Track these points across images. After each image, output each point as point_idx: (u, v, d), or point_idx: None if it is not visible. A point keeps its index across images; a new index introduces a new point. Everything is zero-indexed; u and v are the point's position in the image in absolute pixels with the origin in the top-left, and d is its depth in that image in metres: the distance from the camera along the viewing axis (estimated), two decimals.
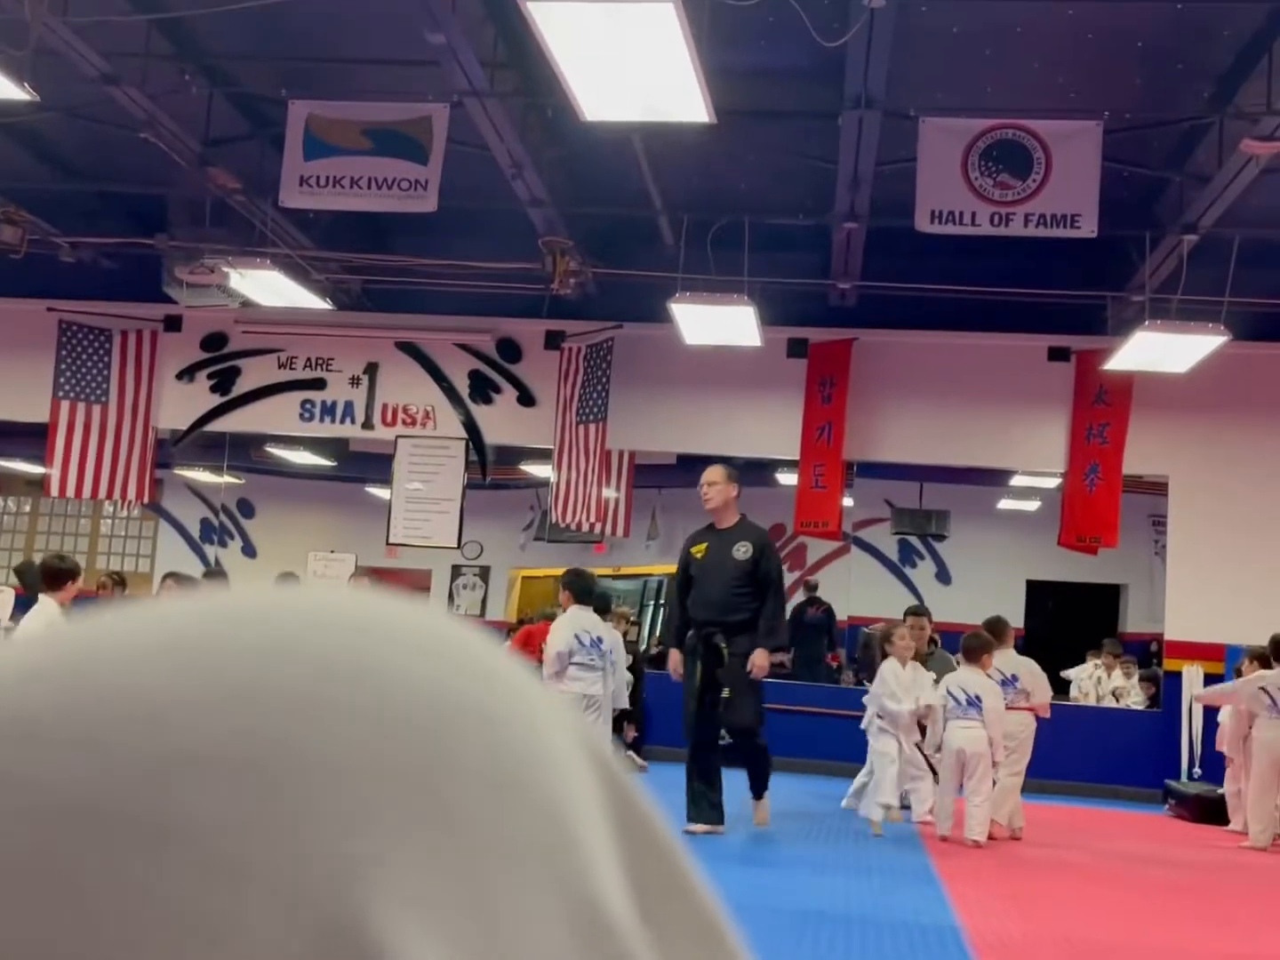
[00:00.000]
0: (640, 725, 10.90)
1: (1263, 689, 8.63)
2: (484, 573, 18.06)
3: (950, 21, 7.17)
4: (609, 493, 11.43)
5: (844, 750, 10.94)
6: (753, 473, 15.09)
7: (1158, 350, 9.25)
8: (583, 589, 7.96)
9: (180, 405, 11.80)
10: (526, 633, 9.94)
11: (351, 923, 0.26)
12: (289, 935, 0.26)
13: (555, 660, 7.54)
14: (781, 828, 7.93)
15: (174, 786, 0.27)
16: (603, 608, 9.17)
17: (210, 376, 11.87)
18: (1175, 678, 10.72)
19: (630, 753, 10.31)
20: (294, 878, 0.26)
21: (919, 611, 9.70)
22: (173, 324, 11.75)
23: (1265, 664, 8.66)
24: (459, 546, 11.99)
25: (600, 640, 7.83)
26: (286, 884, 0.26)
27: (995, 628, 8.56)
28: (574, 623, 7.78)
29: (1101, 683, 13.33)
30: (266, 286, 9.75)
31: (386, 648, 0.30)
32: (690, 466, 14.69)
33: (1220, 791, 9.59)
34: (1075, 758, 11.06)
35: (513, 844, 0.29)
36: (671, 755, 11.28)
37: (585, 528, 11.57)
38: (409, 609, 0.32)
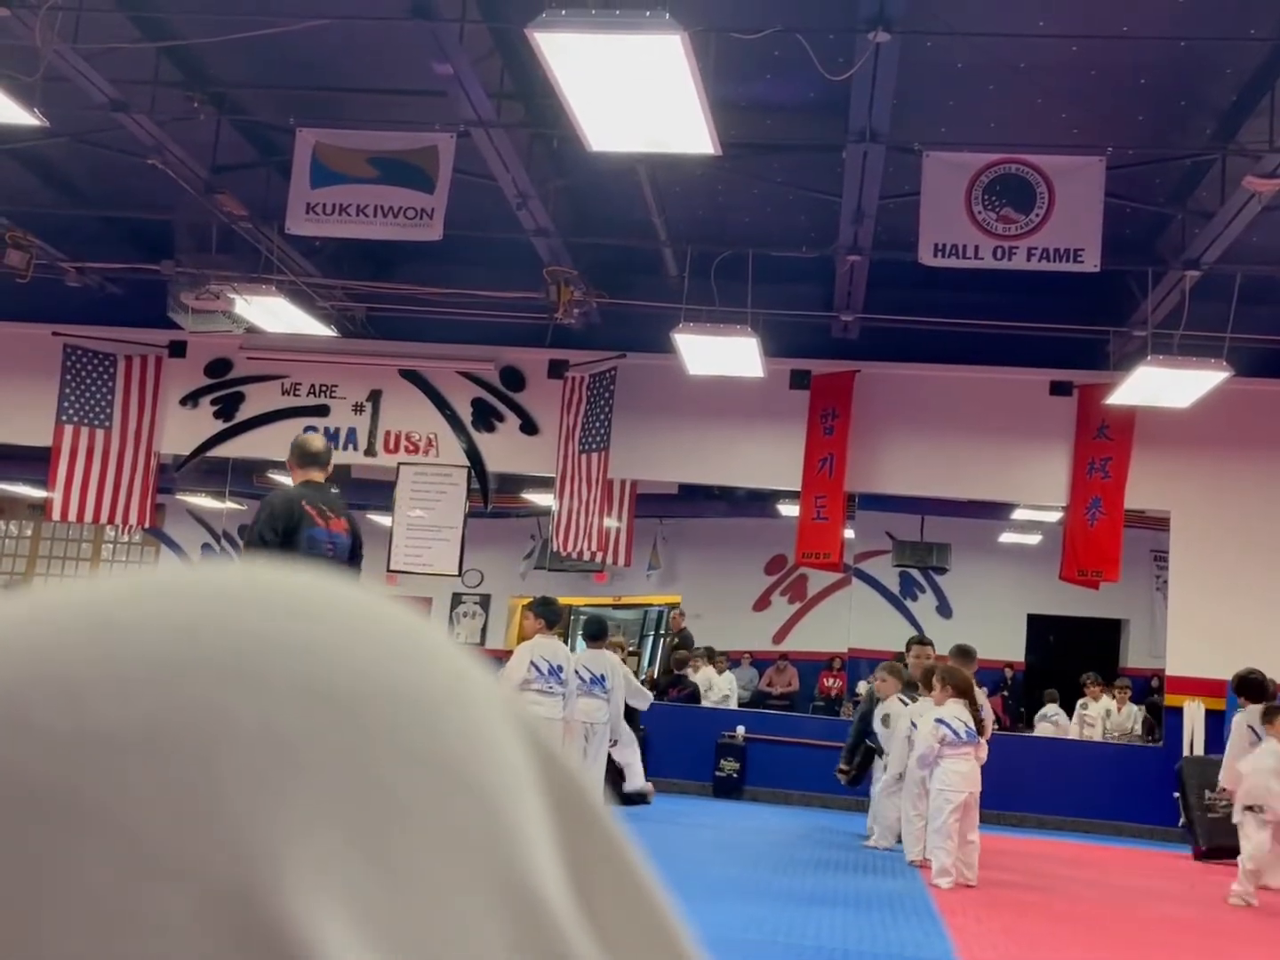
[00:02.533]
0: (641, 755, 10.85)
1: (1250, 726, 8.71)
2: (484, 601, 18.02)
3: (954, 57, 7.22)
4: (610, 522, 11.43)
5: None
6: (754, 504, 15.12)
7: (1160, 385, 9.26)
8: (553, 616, 8.33)
9: (183, 430, 11.81)
10: None
11: (264, 905, 0.26)
12: (197, 919, 0.25)
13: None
14: (781, 861, 7.89)
15: (87, 766, 0.26)
16: (598, 635, 9.24)
17: (214, 402, 11.89)
18: (1176, 713, 10.68)
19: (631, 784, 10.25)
20: (204, 859, 0.26)
21: (923, 641, 9.63)
22: (177, 349, 11.78)
23: None
24: (460, 574, 11.98)
25: (560, 668, 8.14)
26: (195, 866, 0.26)
27: (967, 652, 8.59)
28: (533, 650, 8.08)
29: (1111, 716, 13.28)
30: (271, 313, 9.78)
31: (317, 626, 0.30)
32: (692, 497, 14.75)
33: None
34: (1076, 793, 11.02)
35: (443, 827, 0.28)
36: (673, 787, 11.25)
37: (587, 557, 11.56)
38: (344, 589, 0.32)
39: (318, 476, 5.85)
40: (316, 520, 5.66)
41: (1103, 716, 13.24)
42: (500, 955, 0.28)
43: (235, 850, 0.26)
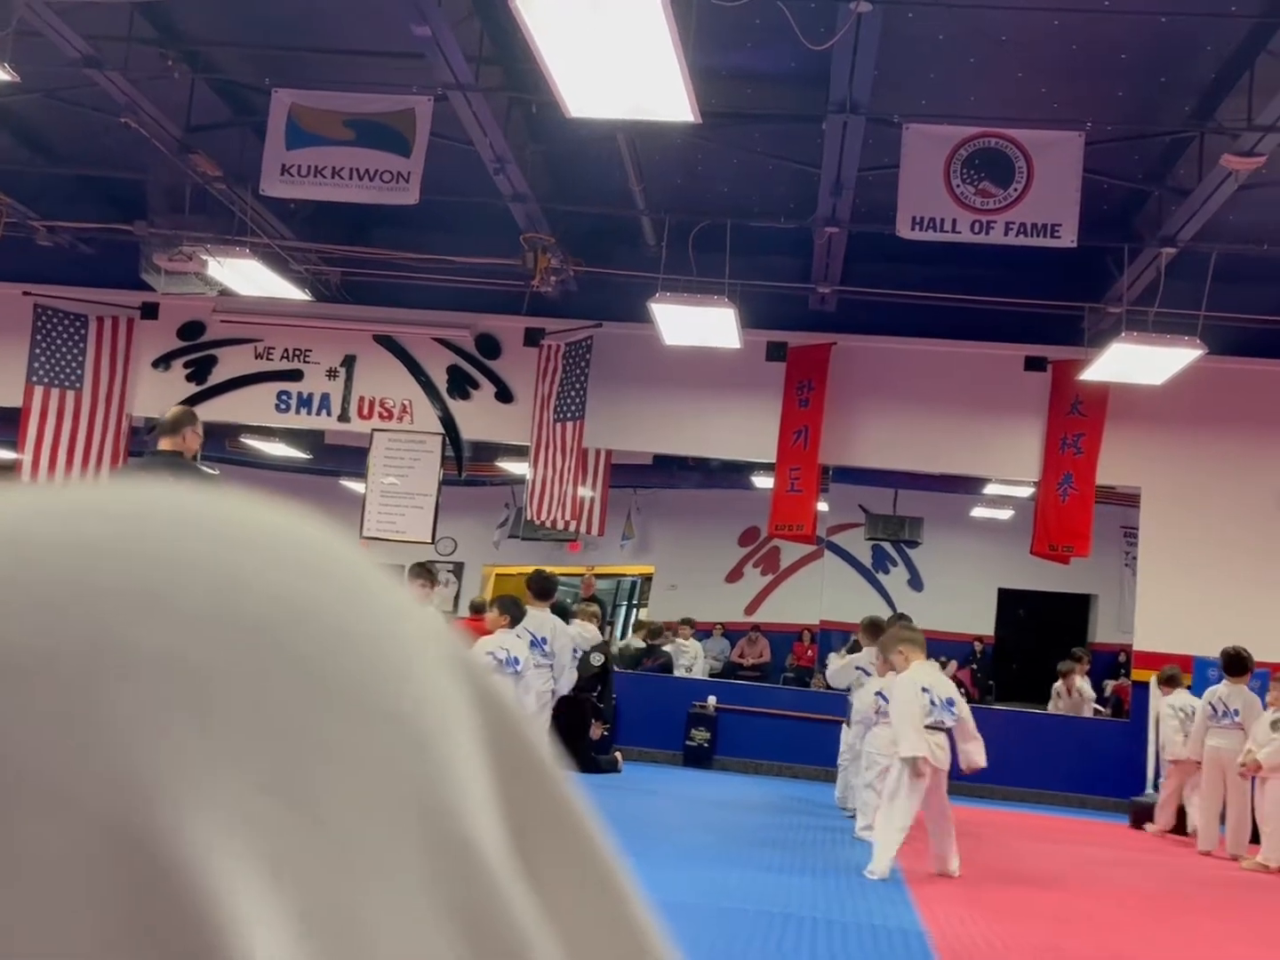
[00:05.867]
0: (611, 724, 10.90)
1: (1209, 703, 8.94)
2: (458, 569, 18.01)
3: (936, 28, 7.19)
4: (585, 491, 11.42)
5: (815, 754, 10.98)
6: (728, 475, 15.15)
7: (1133, 362, 9.30)
8: (548, 587, 8.52)
9: (155, 393, 11.71)
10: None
11: (155, 844, 0.24)
12: (77, 856, 0.24)
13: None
14: (751, 830, 7.94)
15: None
16: (546, 593, 8.94)
17: (186, 365, 11.81)
18: (1143, 688, 10.78)
19: (596, 752, 10.29)
20: (86, 791, 0.24)
21: (904, 618, 9.60)
22: (149, 311, 11.68)
23: None
24: (433, 542, 11.96)
25: (545, 640, 8.22)
26: (76, 798, 0.24)
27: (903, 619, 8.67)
28: (525, 623, 8.15)
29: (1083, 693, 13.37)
30: (245, 276, 9.70)
31: (235, 550, 0.28)
32: (666, 467, 14.75)
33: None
34: (1042, 766, 11.12)
35: (364, 767, 0.26)
36: (644, 755, 11.30)
37: (560, 526, 11.56)
38: (272, 514, 0.29)
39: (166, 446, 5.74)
40: None
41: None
42: (422, 902, 0.26)
43: (123, 783, 0.24)
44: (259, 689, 0.26)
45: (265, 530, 0.29)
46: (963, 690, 10.97)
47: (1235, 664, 8.90)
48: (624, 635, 16.38)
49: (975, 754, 6.80)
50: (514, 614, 8.14)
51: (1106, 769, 10.93)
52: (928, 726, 6.60)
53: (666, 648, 13.54)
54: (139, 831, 0.24)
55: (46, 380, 11.65)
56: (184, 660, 0.26)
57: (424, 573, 8.03)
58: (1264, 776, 8.31)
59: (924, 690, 6.63)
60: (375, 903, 0.26)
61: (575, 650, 8.90)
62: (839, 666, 9.07)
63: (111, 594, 0.26)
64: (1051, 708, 12.68)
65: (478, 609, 10.58)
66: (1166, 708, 9.75)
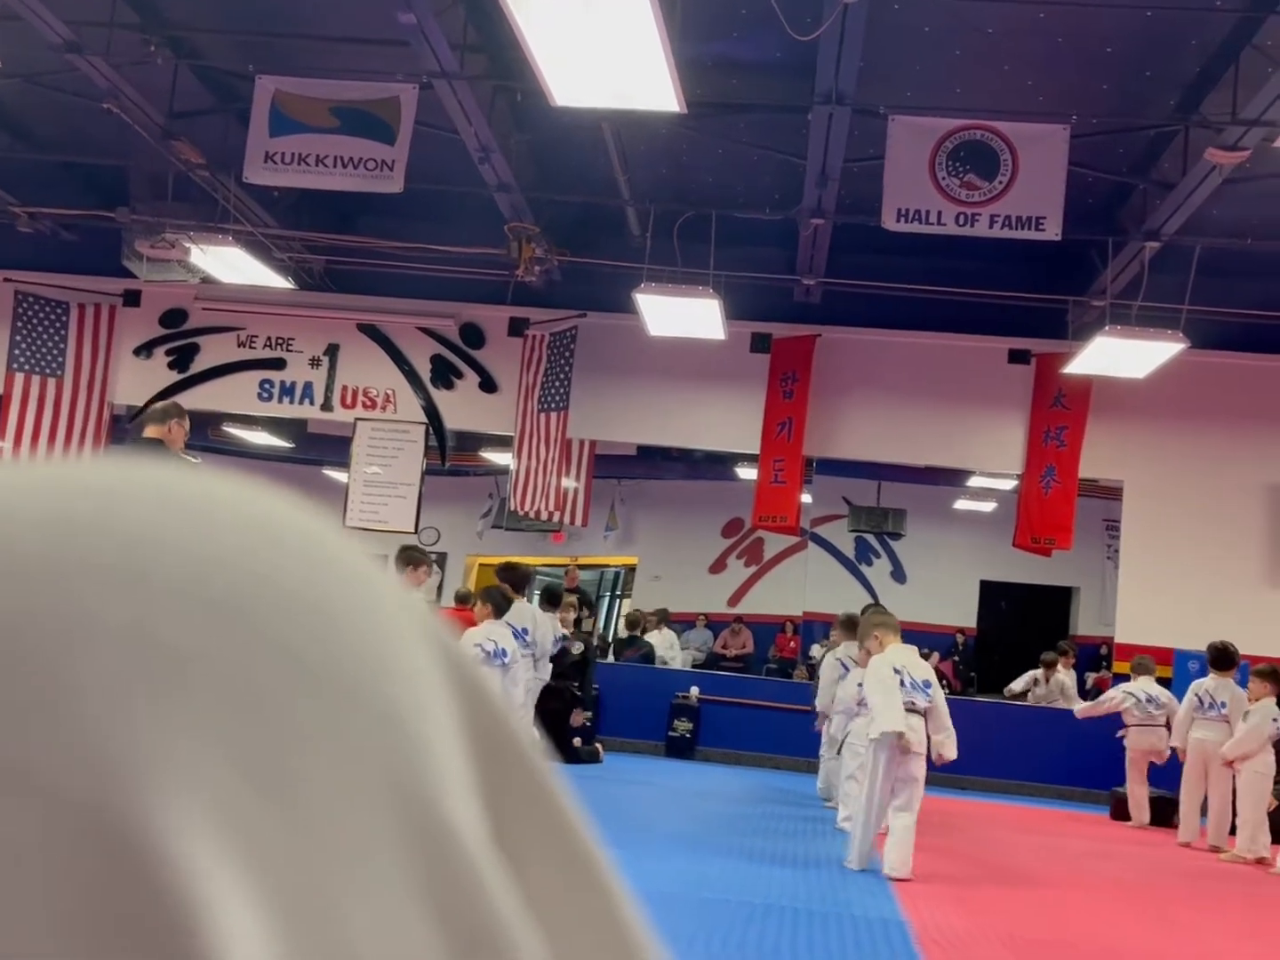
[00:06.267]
0: (594, 714, 10.90)
1: (1195, 695, 9.05)
2: (441, 559, 17.98)
3: (922, 20, 7.19)
4: (568, 482, 11.41)
5: (797, 746, 11.00)
6: (712, 466, 15.14)
7: (1117, 355, 9.32)
8: (519, 581, 8.50)
9: (137, 381, 11.65)
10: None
11: (123, 821, 0.24)
12: (43, 833, 0.23)
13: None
14: (732, 820, 7.95)
15: None
16: (555, 601, 9.35)
17: (169, 353, 11.75)
18: (1124, 681, 10.81)
19: (579, 740, 10.30)
20: (52, 767, 0.24)
21: (875, 607, 9.66)
22: (132, 299, 11.62)
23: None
24: (416, 532, 11.93)
25: (526, 630, 8.26)
26: (41, 774, 0.23)
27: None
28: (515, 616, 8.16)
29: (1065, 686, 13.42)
30: (228, 263, 9.66)
31: (208, 526, 0.27)
32: (650, 458, 14.75)
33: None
34: (1023, 758, 11.16)
35: (338, 746, 0.26)
36: (626, 746, 11.31)
37: (544, 516, 11.55)
38: (253, 495, 0.29)
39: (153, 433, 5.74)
40: None
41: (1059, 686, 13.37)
42: (398, 886, 0.26)
43: (90, 759, 0.24)
44: (233, 667, 0.25)
45: (244, 510, 0.28)
46: (944, 682, 11.02)
47: (1222, 658, 8.98)
48: (607, 626, 16.39)
49: (946, 746, 6.67)
50: (500, 606, 8.14)
51: (1087, 761, 10.97)
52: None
53: (649, 637, 13.55)
54: (107, 809, 0.24)
55: (27, 367, 11.58)
56: (154, 636, 0.25)
57: (417, 557, 7.91)
58: (1237, 769, 8.39)
59: (896, 670, 6.45)
60: (350, 886, 0.25)
61: (555, 639, 8.97)
62: (822, 687, 9.10)
63: (84, 569, 0.25)
64: (1030, 697, 12.72)
65: (463, 599, 10.58)
66: (1121, 693, 9.87)
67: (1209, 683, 9.04)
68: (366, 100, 8.13)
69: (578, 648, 10.53)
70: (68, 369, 11.63)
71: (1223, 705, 8.90)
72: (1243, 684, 8.88)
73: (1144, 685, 9.84)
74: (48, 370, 11.61)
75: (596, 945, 0.30)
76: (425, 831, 0.27)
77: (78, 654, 0.24)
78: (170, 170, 9.12)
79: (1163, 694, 9.77)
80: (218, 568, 0.26)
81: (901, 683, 6.41)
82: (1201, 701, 9.00)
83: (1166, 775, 10.11)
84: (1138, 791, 9.87)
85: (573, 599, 10.66)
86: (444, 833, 0.27)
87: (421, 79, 7.65)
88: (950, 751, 6.65)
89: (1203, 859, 8.38)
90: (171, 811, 0.24)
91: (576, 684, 10.46)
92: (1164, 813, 9.75)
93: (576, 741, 10.21)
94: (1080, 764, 11.05)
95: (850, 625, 8.58)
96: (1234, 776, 8.54)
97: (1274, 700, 8.37)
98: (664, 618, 14.38)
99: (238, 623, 0.26)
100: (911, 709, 6.38)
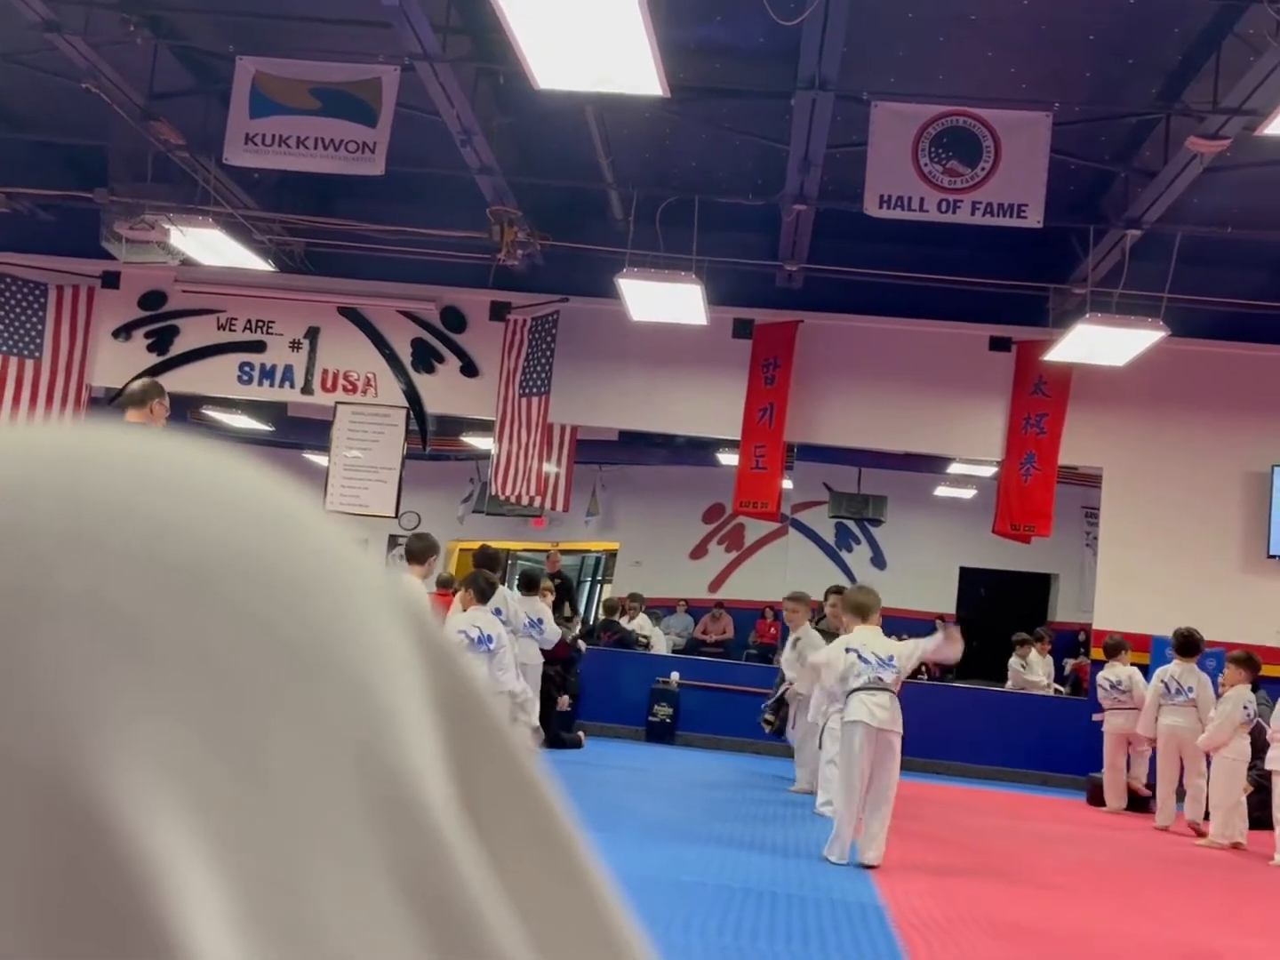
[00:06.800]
0: (575, 699, 10.91)
1: (1161, 681, 9.15)
2: None
3: (906, 6, 7.18)
4: (550, 467, 11.40)
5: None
6: (694, 452, 15.15)
7: (1097, 343, 9.36)
8: (490, 565, 8.56)
9: (116, 363, 11.59)
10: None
11: (81, 791, 0.23)
12: (3, 797, 0.23)
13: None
14: (712, 805, 7.97)
15: None
16: (533, 585, 9.36)
17: (148, 335, 11.68)
18: (1102, 667, 10.87)
19: (561, 728, 10.31)
20: (10, 734, 0.23)
21: (841, 591, 9.59)
22: (110, 280, 11.54)
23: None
24: (396, 516, 11.91)
25: (499, 610, 8.21)
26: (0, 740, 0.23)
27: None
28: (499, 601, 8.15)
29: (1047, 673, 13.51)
30: (207, 245, 9.60)
31: (168, 492, 0.27)
32: (632, 443, 14.74)
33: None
34: (1002, 744, 11.22)
35: (302, 716, 0.26)
36: (606, 731, 11.32)
37: (525, 501, 11.54)
38: (217, 461, 0.29)
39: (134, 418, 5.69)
40: None
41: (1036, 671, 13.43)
42: (365, 860, 0.26)
43: (44, 725, 0.23)
44: (191, 634, 0.25)
45: (206, 476, 0.28)
46: (924, 670, 11.06)
47: (1187, 645, 9.07)
48: (588, 611, 16.39)
49: (942, 650, 6.58)
50: (485, 592, 8.09)
51: (1065, 746, 11.03)
52: (864, 687, 6.20)
53: (632, 623, 13.56)
54: (63, 773, 0.23)
55: (5, 349, 11.50)
56: (109, 602, 0.25)
57: (427, 548, 7.82)
58: (1213, 754, 8.47)
59: (848, 650, 6.28)
60: (314, 854, 0.25)
61: (531, 620, 9.01)
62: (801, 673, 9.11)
63: (37, 536, 0.25)
64: (1014, 684, 12.78)
65: (444, 584, 10.56)
66: (1100, 679, 10.02)
67: (1174, 669, 9.13)
68: (348, 82, 8.09)
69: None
70: (46, 351, 11.56)
71: (1189, 690, 8.98)
72: (1217, 670, 8.96)
73: (1117, 670, 9.95)
74: (26, 352, 11.53)
75: (574, 926, 0.30)
76: (393, 802, 0.26)
77: (31, 621, 0.24)
78: (150, 151, 9.05)
79: (1130, 678, 9.87)
80: (174, 534, 0.26)
81: (862, 659, 6.26)
82: (1168, 688, 9.09)
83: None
84: (1113, 777, 9.94)
85: (548, 584, 10.63)
86: (412, 804, 0.27)
87: (403, 61, 7.61)
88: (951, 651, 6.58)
89: (1179, 844, 8.44)
90: (128, 776, 0.24)
91: (560, 668, 10.47)
92: (1139, 799, 9.85)
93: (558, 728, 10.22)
94: (1057, 749, 11.11)
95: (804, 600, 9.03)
96: (1207, 755, 8.63)
97: (1248, 687, 8.44)
98: (640, 602, 14.40)
99: (194, 588, 0.25)
100: (879, 686, 6.24)
